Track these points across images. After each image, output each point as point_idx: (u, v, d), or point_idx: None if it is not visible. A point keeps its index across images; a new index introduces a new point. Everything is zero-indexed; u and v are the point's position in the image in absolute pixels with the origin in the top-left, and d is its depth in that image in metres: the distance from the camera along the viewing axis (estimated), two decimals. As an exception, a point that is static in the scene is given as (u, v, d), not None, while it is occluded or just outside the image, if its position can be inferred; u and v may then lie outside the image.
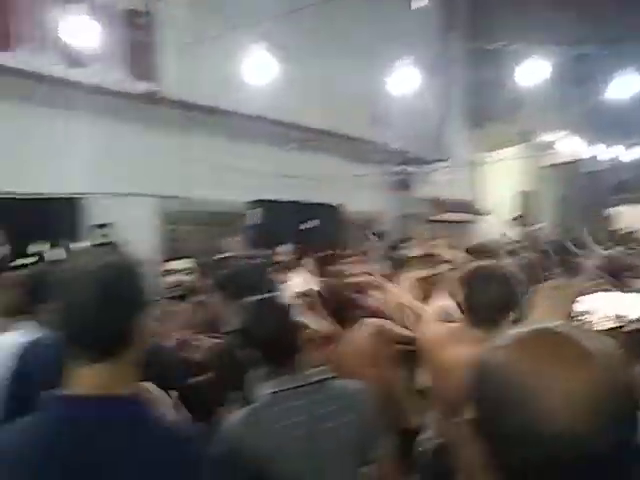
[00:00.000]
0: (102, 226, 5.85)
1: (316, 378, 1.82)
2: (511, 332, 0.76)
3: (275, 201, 7.23)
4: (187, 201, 6.67)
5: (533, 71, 6.83)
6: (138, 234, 6.16)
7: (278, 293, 2.21)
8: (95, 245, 2.07)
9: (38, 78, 4.98)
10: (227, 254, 6.06)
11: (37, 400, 1.28)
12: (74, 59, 5.21)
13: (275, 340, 1.85)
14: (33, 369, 1.81)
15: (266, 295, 2.07)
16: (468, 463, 0.77)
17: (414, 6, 8.43)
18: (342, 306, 2.83)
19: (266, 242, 6.31)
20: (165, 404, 1.59)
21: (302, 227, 7.46)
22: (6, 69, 4.79)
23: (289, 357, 1.85)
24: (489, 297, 1.95)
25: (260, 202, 7.24)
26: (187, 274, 3.31)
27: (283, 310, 1.93)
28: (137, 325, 1.19)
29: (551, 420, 0.66)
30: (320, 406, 1.76)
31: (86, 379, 1.17)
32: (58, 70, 5.10)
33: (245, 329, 1.92)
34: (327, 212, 7.69)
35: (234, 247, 6.71)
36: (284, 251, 5.44)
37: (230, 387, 2.25)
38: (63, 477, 1.13)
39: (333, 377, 1.84)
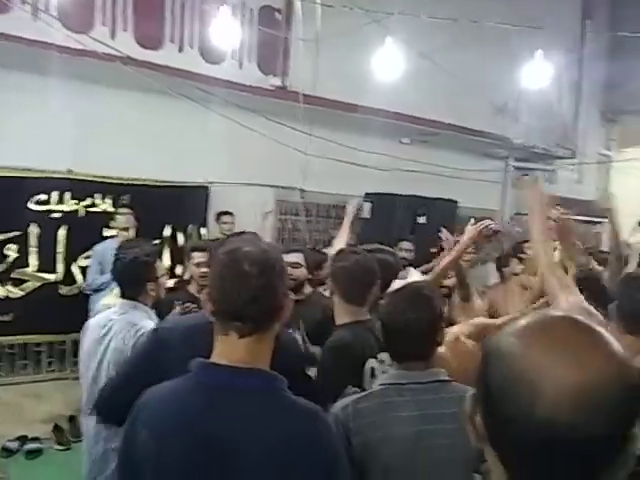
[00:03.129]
0: (224, 213, 6.11)
1: (432, 378, 1.82)
2: (525, 318, 0.77)
3: (389, 195, 7.18)
4: (303, 192, 6.83)
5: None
6: (255, 221, 6.39)
7: (424, 284, 2.16)
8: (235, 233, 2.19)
9: (180, 74, 5.26)
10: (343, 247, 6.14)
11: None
12: (212, 56, 5.49)
13: (401, 332, 1.84)
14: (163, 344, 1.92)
15: (413, 284, 2.05)
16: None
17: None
18: None
19: (378, 236, 6.29)
20: None
21: (417, 222, 7.37)
22: (156, 66, 5.14)
23: (415, 353, 1.84)
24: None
25: (375, 195, 7.22)
26: (295, 268, 3.36)
27: (420, 302, 1.88)
28: (286, 302, 1.35)
29: (545, 405, 0.66)
30: (431, 406, 1.75)
31: (235, 351, 1.30)
32: (197, 66, 5.39)
33: (380, 318, 1.95)
34: (443, 208, 7.53)
35: (352, 239, 6.78)
36: (406, 247, 5.42)
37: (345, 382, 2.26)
38: (199, 437, 1.25)
39: (449, 380, 1.84)
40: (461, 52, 6.73)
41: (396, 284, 3.34)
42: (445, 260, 3.27)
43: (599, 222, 10.80)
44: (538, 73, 6.31)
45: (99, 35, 4.87)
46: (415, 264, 5.39)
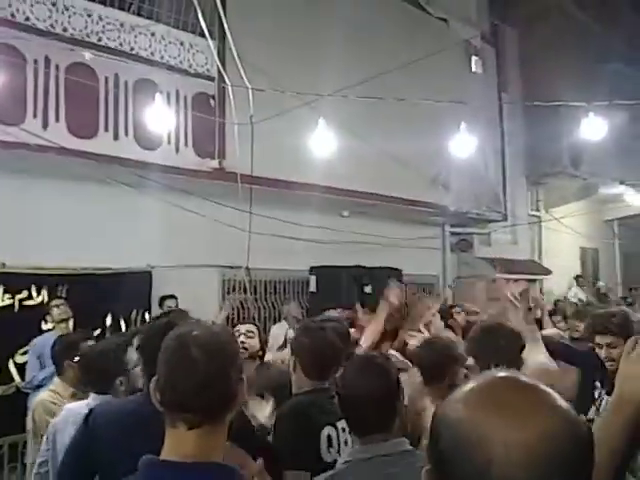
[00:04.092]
0: (168, 297, 6.01)
1: (397, 449, 1.77)
2: (468, 382, 0.79)
3: (334, 267, 7.27)
4: (248, 270, 6.81)
5: (591, 127, 6.69)
6: (202, 303, 6.30)
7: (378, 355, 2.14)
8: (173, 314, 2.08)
9: (116, 161, 5.31)
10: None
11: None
12: (147, 142, 5.59)
13: (357, 403, 1.81)
14: (96, 432, 1.80)
15: (367, 355, 2.02)
16: None
17: (474, 69, 8.62)
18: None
19: (326, 308, 6.31)
20: (251, 467, 1.58)
21: (364, 291, 7.43)
22: (91, 155, 5.17)
23: (375, 424, 1.79)
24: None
25: (319, 269, 7.29)
26: (249, 337, 3.32)
27: (373, 372, 1.86)
28: (239, 388, 1.26)
29: (499, 466, 0.67)
30: (400, 478, 1.70)
31: (185, 445, 1.20)
32: (133, 153, 5.46)
33: (336, 391, 1.91)
34: (388, 276, 7.64)
35: (293, 314, 6.78)
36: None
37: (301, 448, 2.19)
38: None
39: (413, 449, 1.80)
40: (391, 128, 7.10)
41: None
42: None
43: (535, 280, 11.24)
44: (464, 144, 6.68)
45: (31, 127, 4.89)
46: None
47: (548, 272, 11.28)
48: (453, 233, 9.95)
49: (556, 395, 0.74)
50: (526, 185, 11.52)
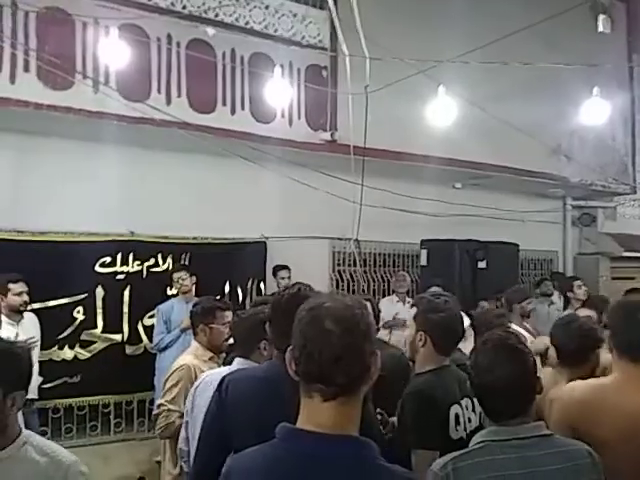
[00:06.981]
0: (281, 268, 6.15)
1: (534, 433, 1.71)
2: None
3: (446, 240, 7.07)
4: (358, 243, 6.80)
5: None
6: (312, 274, 6.39)
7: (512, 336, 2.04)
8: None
9: (233, 135, 5.50)
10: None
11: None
12: (262, 115, 5.71)
13: (493, 391, 1.77)
14: (228, 400, 1.86)
15: (501, 336, 1.96)
16: None
17: (601, 29, 7.97)
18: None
19: (438, 283, 6.16)
20: None
21: (478, 267, 7.19)
22: (210, 129, 5.40)
23: (512, 410, 1.75)
24: None
25: (431, 242, 7.13)
26: None
27: (508, 357, 1.80)
28: (373, 362, 1.24)
29: None
30: (538, 463, 1.65)
31: (320, 416, 1.22)
32: (249, 126, 5.61)
33: (469, 378, 1.88)
34: (504, 251, 7.34)
35: (403, 287, 6.71)
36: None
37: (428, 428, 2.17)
38: None
39: (550, 434, 1.74)
40: (509, 94, 6.72)
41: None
42: None
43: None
44: (595, 110, 6.17)
45: (155, 102, 5.14)
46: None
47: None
48: (575, 206, 9.35)
49: None
50: (659, 155, 10.56)
